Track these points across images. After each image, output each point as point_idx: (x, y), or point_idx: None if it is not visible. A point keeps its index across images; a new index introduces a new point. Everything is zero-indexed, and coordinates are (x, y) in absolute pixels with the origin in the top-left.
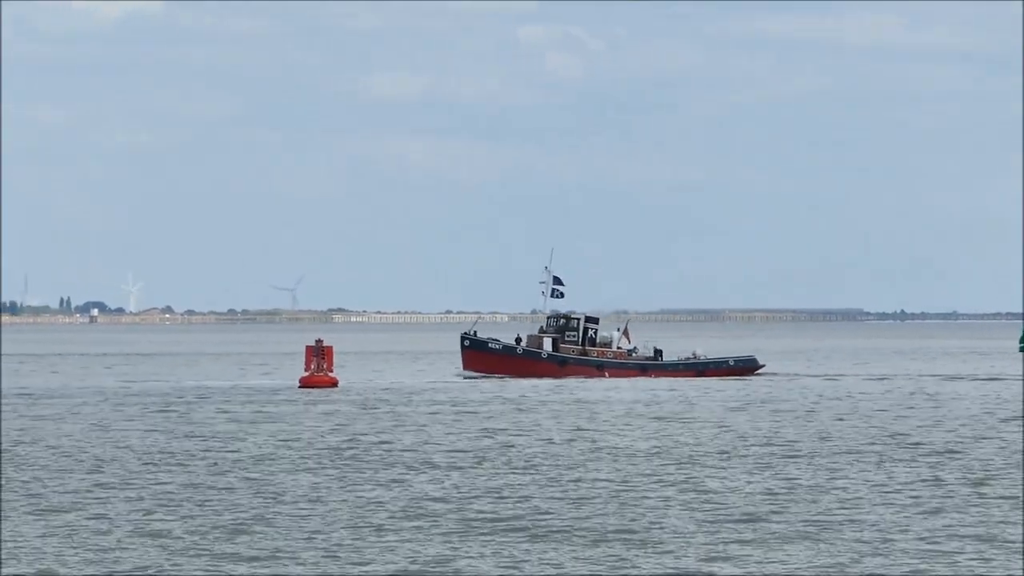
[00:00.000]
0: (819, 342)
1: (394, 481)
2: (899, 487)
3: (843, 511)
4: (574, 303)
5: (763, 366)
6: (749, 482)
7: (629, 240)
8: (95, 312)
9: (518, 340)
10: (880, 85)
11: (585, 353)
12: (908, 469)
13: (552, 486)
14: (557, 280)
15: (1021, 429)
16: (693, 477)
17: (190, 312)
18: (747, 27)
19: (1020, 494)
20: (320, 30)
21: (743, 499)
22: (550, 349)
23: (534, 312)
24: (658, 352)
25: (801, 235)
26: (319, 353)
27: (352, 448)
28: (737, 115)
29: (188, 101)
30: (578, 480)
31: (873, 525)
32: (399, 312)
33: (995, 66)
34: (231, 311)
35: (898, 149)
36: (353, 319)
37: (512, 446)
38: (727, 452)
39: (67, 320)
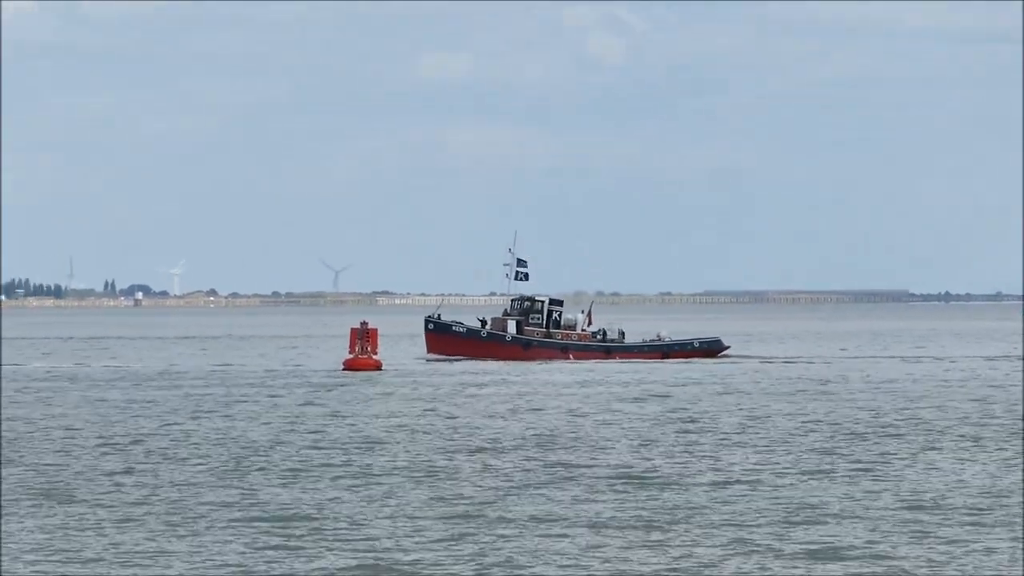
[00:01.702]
0: (830, 324)
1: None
2: (788, 465)
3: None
4: (616, 284)
5: (728, 348)
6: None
7: (673, 223)
8: (139, 295)
9: (483, 323)
10: (928, 69)
11: (549, 336)
12: (799, 452)
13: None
14: (521, 262)
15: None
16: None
17: (234, 295)
18: (793, 9)
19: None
20: (362, 14)
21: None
22: (514, 332)
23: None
24: (621, 334)
25: (847, 217)
26: (363, 335)
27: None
28: (782, 98)
29: (233, 87)
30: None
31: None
32: (443, 295)
33: None
34: (275, 294)
35: (944, 132)
36: (397, 302)
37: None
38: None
39: (112, 303)
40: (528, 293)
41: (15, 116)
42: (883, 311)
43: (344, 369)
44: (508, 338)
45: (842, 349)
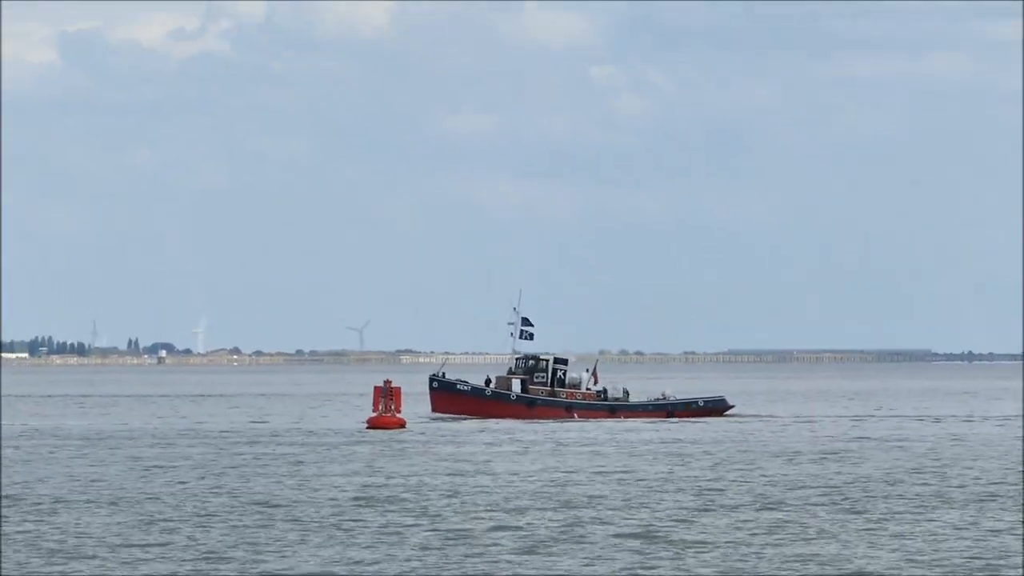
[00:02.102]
0: (851, 383)
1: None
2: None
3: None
4: (640, 343)
5: (732, 407)
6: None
7: (698, 282)
8: (163, 353)
9: (488, 382)
10: (955, 125)
11: (554, 394)
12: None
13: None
14: (526, 321)
15: None
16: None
17: (258, 353)
18: (819, 68)
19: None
20: (387, 71)
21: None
22: (519, 390)
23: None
24: (625, 393)
25: (871, 276)
26: (387, 394)
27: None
28: (805, 157)
29: (257, 145)
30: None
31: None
32: (466, 353)
33: None
34: (299, 352)
35: (967, 190)
36: (421, 360)
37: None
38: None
39: (135, 361)
40: (532, 351)
41: (38, 172)
42: (903, 370)
43: (368, 427)
44: (513, 396)
45: (875, 410)
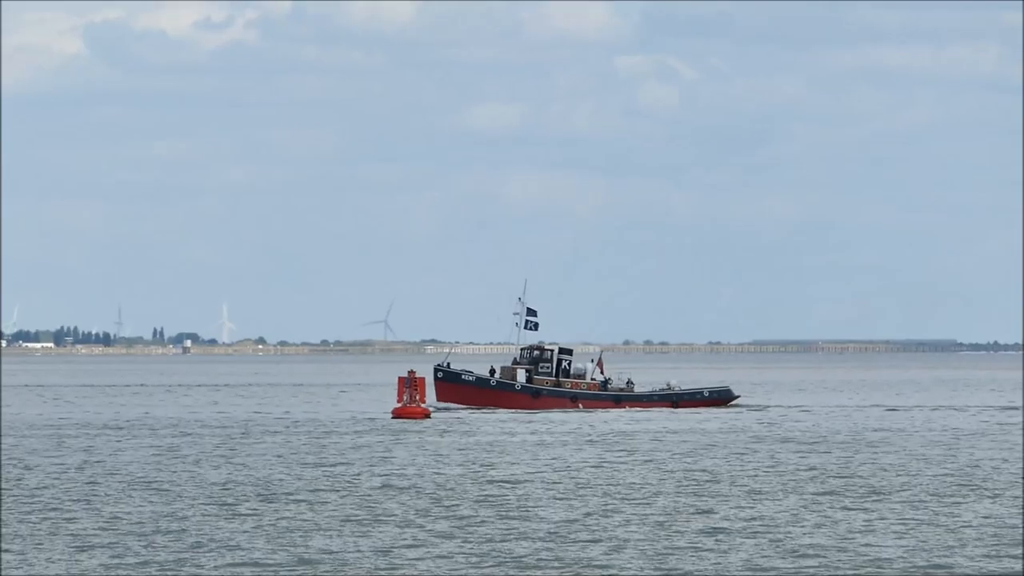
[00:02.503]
0: (868, 374)
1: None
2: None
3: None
4: (665, 333)
5: (737, 397)
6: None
7: (723, 273)
8: (188, 343)
9: (492, 372)
10: (984, 117)
11: (559, 384)
12: (795, 498)
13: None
14: (531, 311)
15: None
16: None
17: (283, 343)
18: (843, 60)
19: None
20: (414, 64)
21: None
22: (524, 380)
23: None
24: (629, 383)
25: (896, 267)
26: (411, 384)
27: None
28: (832, 150)
29: (284, 136)
30: None
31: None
32: (491, 344)
33: None
34: (324, 342)
35: (993, 181)
36: (446, 350)
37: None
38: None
39: (160, 351)
40: (536, 342)
41: (63, 163)
42: (927, 360)
43: (393, 417)
44: (518, 387)
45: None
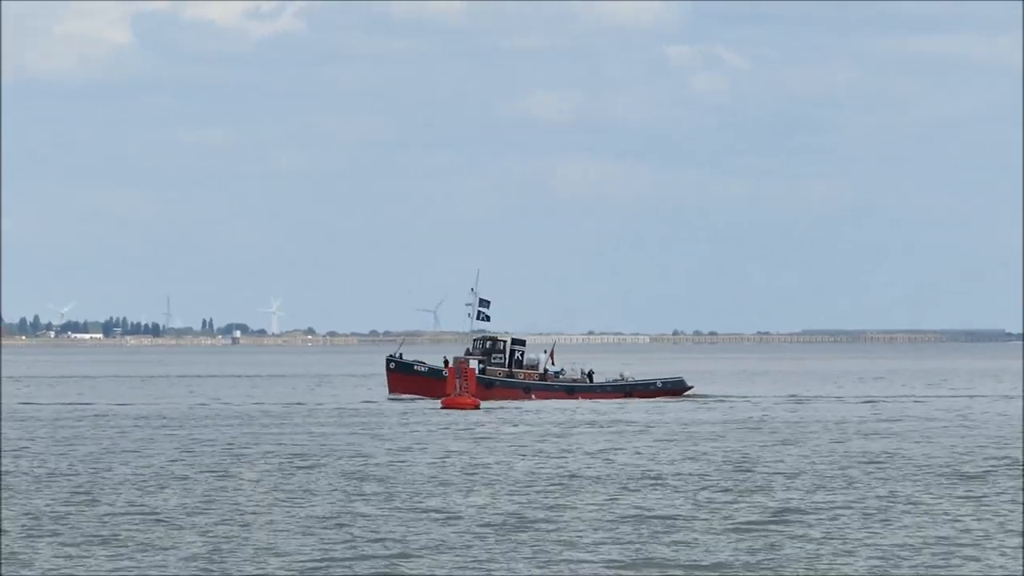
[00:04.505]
0: (887, 363)
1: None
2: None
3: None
4: (714, 323)
5: (691, 387)
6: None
7: (772, 263)
8: (237, 334)
9: (446, 363)
10: None
11: (512, 375)
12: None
13: None
14: (484, 302)
15: None
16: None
17: (332, 334)
18: (893, 48)
19: None
20: (466, 52)
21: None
22: (477, 371)
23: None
24: (589, 374)
25: (945, 257)
26: (461, 375)
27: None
28: (882, 137)
29: (335, 124)
30: None
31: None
32: (541, 333)
33: None
34: (373, 332)
35: None
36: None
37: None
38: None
39: (209, 342)
40: (491, 332)
41: (112, 153)
42: (968, 350)
43: (443, 407)
44: None
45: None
